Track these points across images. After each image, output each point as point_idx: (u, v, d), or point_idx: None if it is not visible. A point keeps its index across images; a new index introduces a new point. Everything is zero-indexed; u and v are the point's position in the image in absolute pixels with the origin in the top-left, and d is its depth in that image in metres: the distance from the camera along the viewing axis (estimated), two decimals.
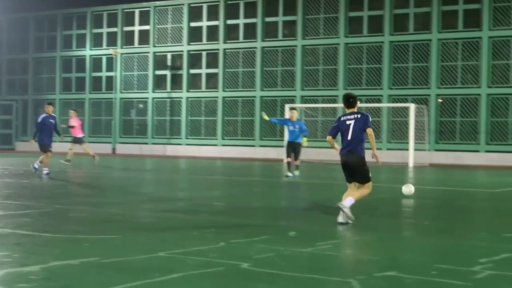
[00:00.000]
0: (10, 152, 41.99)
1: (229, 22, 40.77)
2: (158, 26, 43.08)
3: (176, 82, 42.37)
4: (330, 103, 36.63)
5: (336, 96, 36.78)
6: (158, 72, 43.10)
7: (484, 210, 13.88)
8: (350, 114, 10.68)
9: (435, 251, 8.34)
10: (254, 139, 39.44)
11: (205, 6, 41.68)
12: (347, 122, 10.57)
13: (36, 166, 20.97)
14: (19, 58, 47.95)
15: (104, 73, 44.87)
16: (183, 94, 41.80)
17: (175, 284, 6.16)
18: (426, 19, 35.62)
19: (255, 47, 39.69)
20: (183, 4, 42.23)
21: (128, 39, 44.07)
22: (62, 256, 7.36)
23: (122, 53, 43.64)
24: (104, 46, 44.74)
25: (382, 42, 36.22)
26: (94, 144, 41.92)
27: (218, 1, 41.05)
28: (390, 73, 35.97)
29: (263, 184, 20.24)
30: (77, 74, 45.85)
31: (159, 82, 43.16)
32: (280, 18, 39.28)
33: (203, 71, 41.65)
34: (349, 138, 10.50)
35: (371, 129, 10.51)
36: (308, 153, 30.22)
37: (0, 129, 46.17)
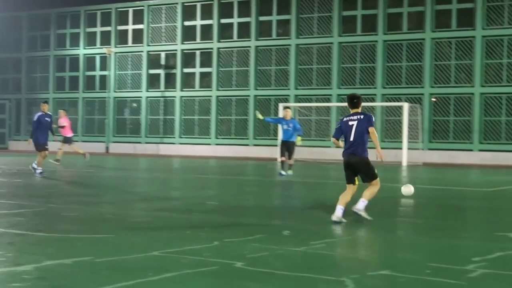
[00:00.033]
0: (3, 151, 41.89)
1: (223, 21, 40.74)
2: (152, 25, 43.02)
3: (170, 81, 42.32)
4: (324, 102, 36.66)
5: (330, 95, 36.81)
6: (152, 71, 43.04)
7: (478, 209, 13.90)
8: (353, 114, 10.62)
9: (428, 250, 8.35)
10: (248, 138, 39.44)
11: (199, 5, 41.63)
12: (350, 123, 10.52)
13: (35, 166, 20.80)
14: (13, 57, 47.82)
15: (97, 72, 44.79)
16: (177, 93, 41.77)
17: (169, 283, 6.15)
18: (420, 18, 35.67)
19: (249, 46, 39.67)
20: (177, 3, 42.18)
21: (122, 38, 44.00)
22: (55, 255, 7.34)
23: (116, 52, 43.57)
24: (98, 45, 44.66)
25: (376, 41, 36.25)
26: (87, 143, 41.90)
27: (212, 0, 41.01)
28: (383, 72, 36.00)
29: (257, 183, 20.24)
30: (71, 73, 45.76)
31: (153, 81, 43.11)
32: (274, 17, 39.28)
33: (197, 70, 41.62)
34: (351, 139, 10.46)
35: (374, 128, 10.48)
36: (301, 152, 30.24)
37: None
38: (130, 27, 43.73)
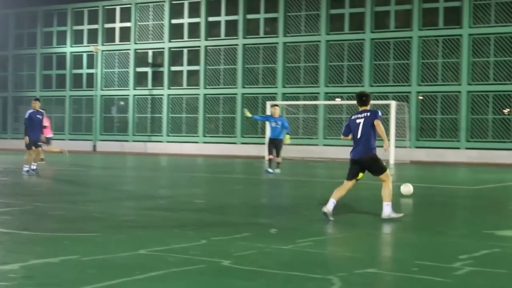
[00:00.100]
0: None
1: (211, 19, 40.71)
2: (139, 23, 42.93)
3: (157, 79, 42.26)
4: (311, 100, 36.70)
5: (317, 93, 36.85)
6: (139, 69, 42.96)
7: (464, 207, 13.96)
8: (361, 112, 10.73)
9: (415, 248, 8.37)
10: (235, 136, 39.44)
11: (186, 3, 41.58)
12: (357, 121, 10.63)
13: (34, 166, 20.58)
14: None
15: (84, 70, 44.66)
16: (164, 91, 41.70)
17: (156, 281, 6.14)
18: (407, 16, 35.78)
19: (237, 44, 39.66)
20: (164, 1, 42.11)
21: (109, 36, 43.88)
22: (42, 254, 7.31)
23: (103, 50, 43.45)
24: (85, 43, 44.53)
25: (363, 39, 36.33)
26: (74, 142, 41.80)
27: None
28: (371, 70, 36.08)
29: (244, 181, 20.23)
30: (58, 71, 45.60)
31: (140, 79, 43.02)
32: (261, 15, 39.28)
33: (184, 68, 41.57)
34: (358, 136, 10.58)
35: (379, 121, 10.54)
36: (289, 150, 30.24)
37: None
38: (117, 25, 43.63)
